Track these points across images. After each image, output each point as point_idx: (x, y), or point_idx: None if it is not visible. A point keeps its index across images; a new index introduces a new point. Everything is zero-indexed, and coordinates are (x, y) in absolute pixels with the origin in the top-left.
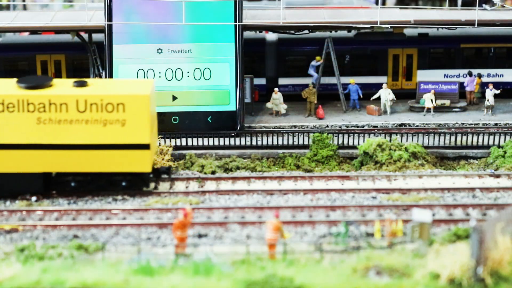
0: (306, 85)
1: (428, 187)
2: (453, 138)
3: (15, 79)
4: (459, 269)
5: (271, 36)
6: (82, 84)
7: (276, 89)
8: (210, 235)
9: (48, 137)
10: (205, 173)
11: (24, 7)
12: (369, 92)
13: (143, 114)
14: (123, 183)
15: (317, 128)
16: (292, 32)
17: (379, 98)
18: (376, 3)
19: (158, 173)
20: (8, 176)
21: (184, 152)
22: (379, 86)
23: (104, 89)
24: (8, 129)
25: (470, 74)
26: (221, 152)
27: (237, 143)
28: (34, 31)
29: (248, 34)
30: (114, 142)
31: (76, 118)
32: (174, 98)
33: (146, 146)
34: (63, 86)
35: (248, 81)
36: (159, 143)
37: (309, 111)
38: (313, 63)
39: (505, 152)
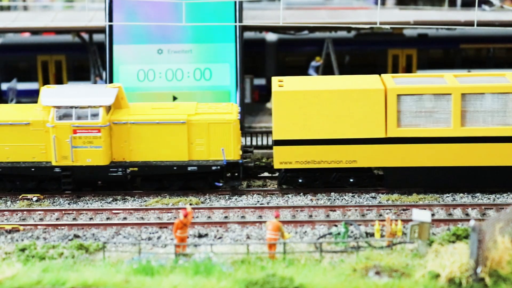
0: None
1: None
2: None
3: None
4: (458, 269)
5: (271, 37)
6: None
7: None
8: (210, 235)
9: None
10: None
11: (25, 8)
12: None
13: None
14: None
15: None
16: (292, 32)
17: None
18: (376, 3)
19: None
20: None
21: None
22: None
23: None
24: None
25: None
26: None
27: None
28: (35, 31)
29: (248, 34)
30: None
31: None
32: (175, 98)
33: None
34: None
35: (248, 81)
36: None
37: None
38: (313, 63)
39: None
